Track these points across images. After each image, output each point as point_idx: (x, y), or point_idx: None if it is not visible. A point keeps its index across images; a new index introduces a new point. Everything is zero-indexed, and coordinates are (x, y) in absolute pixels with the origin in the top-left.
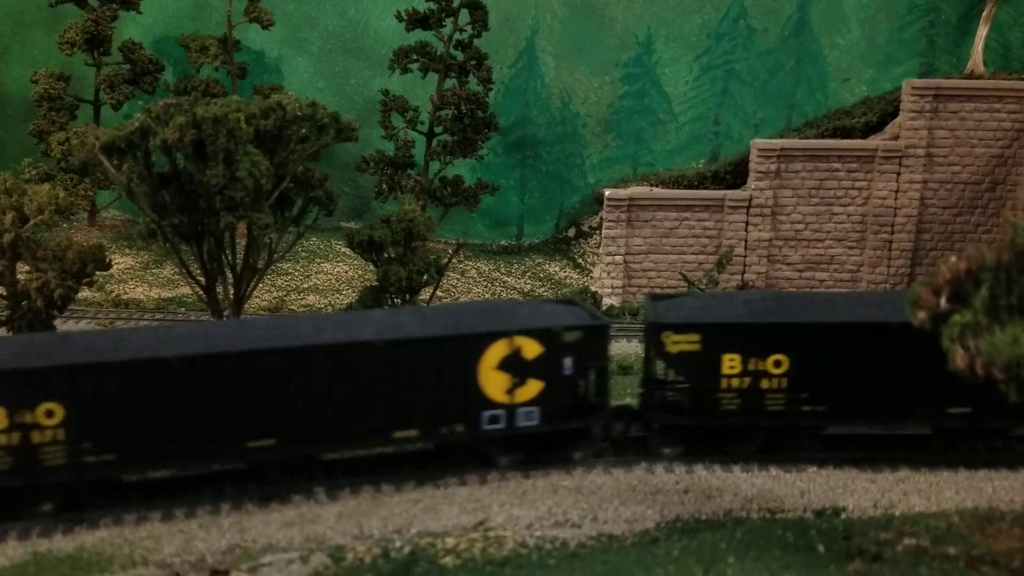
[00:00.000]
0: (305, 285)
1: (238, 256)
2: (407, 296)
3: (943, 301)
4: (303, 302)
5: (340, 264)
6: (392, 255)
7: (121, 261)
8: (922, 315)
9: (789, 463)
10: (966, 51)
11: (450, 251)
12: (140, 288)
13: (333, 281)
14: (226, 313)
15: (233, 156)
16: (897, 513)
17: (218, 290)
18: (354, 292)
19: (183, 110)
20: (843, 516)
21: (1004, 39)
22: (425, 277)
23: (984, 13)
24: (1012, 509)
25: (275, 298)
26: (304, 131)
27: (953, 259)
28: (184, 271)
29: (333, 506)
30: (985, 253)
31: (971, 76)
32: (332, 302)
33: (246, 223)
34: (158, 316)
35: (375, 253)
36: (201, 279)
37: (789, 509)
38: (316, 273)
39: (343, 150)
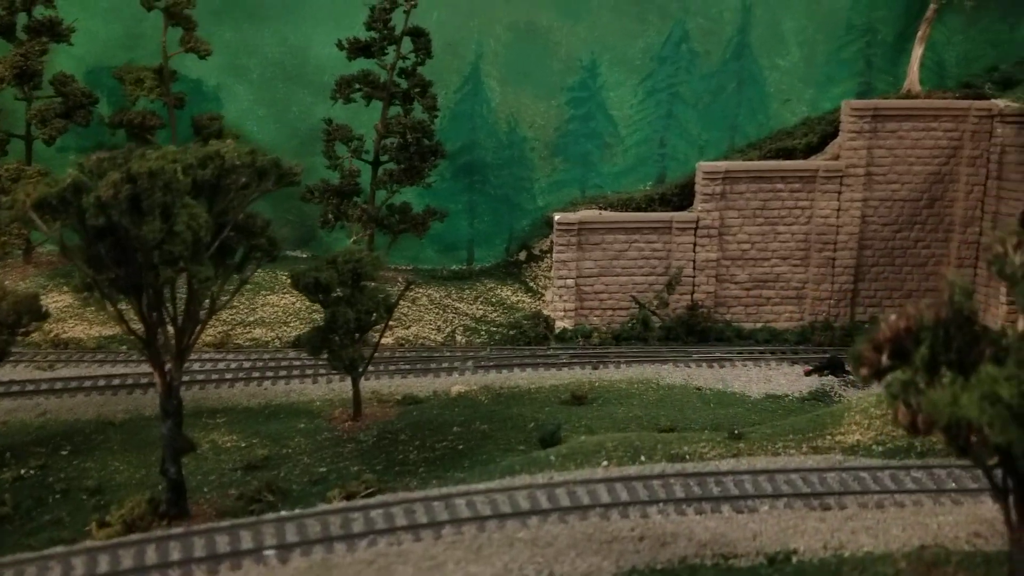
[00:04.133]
0: (251, 319)
1: (179, 307)
2: (357, 336)
3: (884, 358)
4: (249, 336)
5: (287, 296)
6: (340, 295)
7: (60, 299)
8: (865, 372)
9: (741, 501)
10: (902, 70)
11: (400, 279)
12: (80, 327)
13: (280, 313)
14: (168, 366)
15: (170, 210)
16: (847, 555)
17: (159, 342)
18: (302, 324)
19: (117, 164)
20: (795, 560)
21: (938, 57)
22: (374, 316)
23: (919, 33)
24: (958, 548)
25: (220, 332)
26: (244, 179)
27: (893, 317)
28: (123, 325)
29: (283, 570)
30: (924, 312)
31: (908, 95)
32: (280, 335)
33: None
34: (99, 356)
35: (322, 294)
36: (141, 332)
37: (742, 554)
38: (262, 306)
39: None
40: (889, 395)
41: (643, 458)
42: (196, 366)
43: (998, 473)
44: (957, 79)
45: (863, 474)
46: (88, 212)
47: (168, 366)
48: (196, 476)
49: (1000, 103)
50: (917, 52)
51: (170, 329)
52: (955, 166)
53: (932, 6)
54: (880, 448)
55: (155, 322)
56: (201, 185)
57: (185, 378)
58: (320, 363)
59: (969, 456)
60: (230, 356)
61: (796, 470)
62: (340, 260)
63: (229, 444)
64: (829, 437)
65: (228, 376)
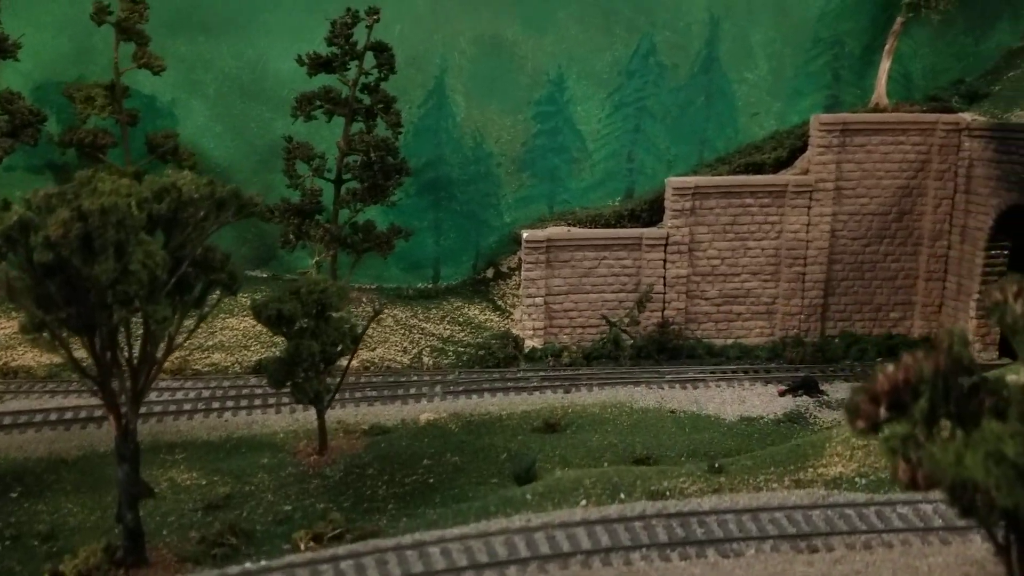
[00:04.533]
0: (210, 343)
1: (134, 347)
2: (322, 367)
3: (883, 411)
4: (209, 361)
5: (247, 319)
6: (304, 327)
7: (8, 326)
8: (861, 425)
9: (726, 544)
10: (870, 82)
11: (364, 300)
12: (30, 354)
13: (240, 337)
14: (124, 409)
15: (125, 247)
16: None
17: (114, 384)
18: (263, 348)
19: (67, 200)
20: None
21: (905, 69)
22: (340, 348)
23: (887, 47)
24: None
25: (178, 358)
26: (203, 212)
27: (891, 368)
28: (75, 367)
29: None
30: (922, 362)
31: (876, 108)
32: (240, 360)
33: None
34: (50, 386)
35: (285, 326)
36: (95, 373)
37: None
38: (221, 329)
39: None
40: (888, 450)
41: (623, 496)
42: (153, 395)
43: (999, 530)
44: (924, 92)
45: (848, 511)
46: (36, 251)
47: (124, 409)
48: (155, 517)
49: (967, 117)
50: (884, 65)
51: (125, 369)
52: (923, 180)
53: (899, 19)
54: (863, 480)
55: (109, 363)
56: (157, 219)
57: (142, 410)
58: (284, 392)
59: (973, 516)
60: (188, 384)
61: (780, 508)
62: (304, 291)
63: (189, 482)
64: (811, 469)
65: (187, 407)
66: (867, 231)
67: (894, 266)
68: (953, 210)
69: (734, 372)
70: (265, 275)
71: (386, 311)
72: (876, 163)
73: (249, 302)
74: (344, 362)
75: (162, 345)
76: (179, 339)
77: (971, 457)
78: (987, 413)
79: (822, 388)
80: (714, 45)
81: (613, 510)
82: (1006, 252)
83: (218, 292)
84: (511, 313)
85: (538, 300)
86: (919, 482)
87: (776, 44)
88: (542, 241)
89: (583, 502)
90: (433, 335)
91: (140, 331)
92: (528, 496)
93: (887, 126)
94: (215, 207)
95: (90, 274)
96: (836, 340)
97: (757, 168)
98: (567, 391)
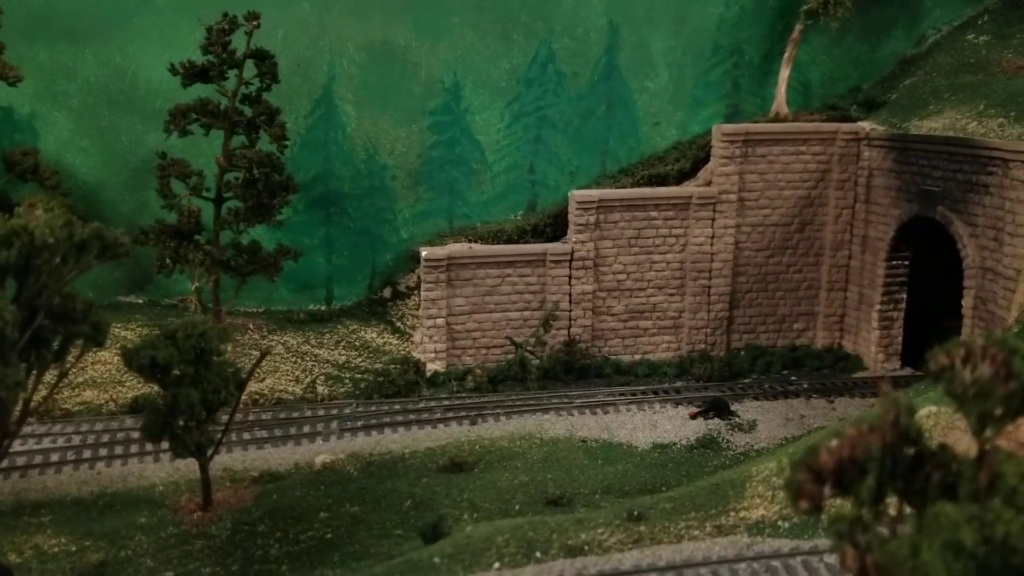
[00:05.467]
0: (80, 379)
1: None
2: (204, 415)
3: (827, 490)
4: (79, 399)
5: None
6: (181, 374)
7: None
8: (805, 506)
9: None
10: (769, 91)
11: (250, 327)
12: None
13: (113, 372)
14: None
15: None
16: None
17: None
18: (138, 384)
19: None
20: None
21: (804, 77)
22: (223, 394)
23: (785, 56)
24: None
25: (36, 399)
26: (59, 257)
27: (835, 443)
28: None
29: None
30: (869, 437)
31: (776, 117)
32: (114, 396)
33: None
34: None
35: (160, 374)
36: None
37: None
38: (92, 364)
39: (119, 218)
40: (835, 535)
41: (539, 554)
42: (17, 444)
43: None
44: (822, 99)
45: (775, 563)
46: None
47: None
48: None
49: (866, 126)
50: (784, 73)
51: None
52: (824, 190)
53: (798, 27)
54: (786, 524)
55: None
56: (5, 267)
57: (2, 464)
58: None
59: None
60: (56, 428)
61: (705, 563)
62: (181, 335)
63: (57, 548)
64: (732, 513)
65: (54, 458)
66: (770, 242)
67: (797, 277)
68: (854, 220)
69: (643, 393)
70: (141, 301)
71: (275, 338)
72: (778, 173)
73: (123, 332)
74: (230, 408)
75: (16, 411)
76: (36, 401)
77: (927, 549)
78: (935, 487)
79: (732, 409)
80: (614, 53)
81: (529, 572)
82: (906, 263)
83: (81, 343)
84: (411, 335)
85: (439, 321)
86: (868, 569)
87: (676, 52)
88: (442, 259)
89: (496, 565)
90: (327, 362)
91: None
92: (436, 559)
93: (788, 136)
94: (74, 250)
95: None
96: (742, 353)
97: (660, 180)
98: (473, 422)
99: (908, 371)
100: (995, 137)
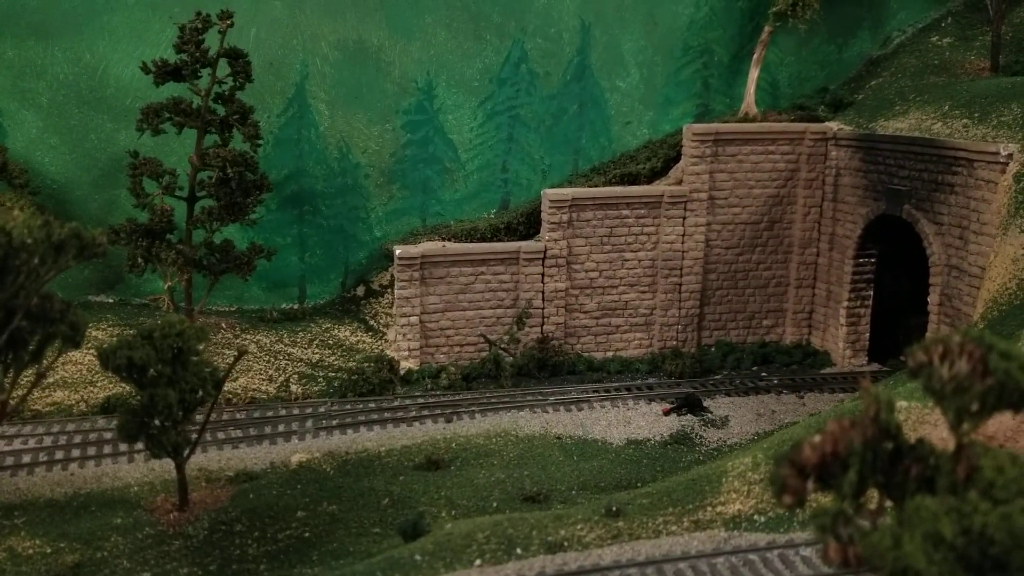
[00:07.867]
0: (51, 379)
1: None
2: (181, 415)
3: (810, 485)
4: (50, 400)
5: (92, 351)
6: (158, 373)
7: None
8: (788, 500)
9: None
10: (739, 91)
11: (223, 326)
12: None
13: (85, 372)
14: None
15: None
16: None
17: None
18: (111, 384)
19: None
20: None
21: (772, 77)
22: (201, 394)
23: (755, 55)
24: None
25: (14, 398)
26: (37, 258)
27: (817, 438)
28: None
29: None
30: (851, 433)
31: (745, 117)
32: (86, 397)
33: None
34: None
35: (137, 375)
36: None
37: None
38: (64, 364)
39: (89, 217)
40: (818, 529)
41: (519, 551)
42: None
43: None
44: (790, 99)
45: (752, 556)
46: None
47: None
48: None
49: (833, 126)
50: (753, 74)
51: None
52: (792, 188)
53: (767, 28)
54: (762, 518)
55: None
56: None
57: None
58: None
59: None
60: (27, 430)
61: (684, 557)
62: (158, 335)
63: (31, 551)
64: (709, 508)
65: (26, 459)
66: (740, 240)
67: (766, 274)
68: (822, 218)
69: (617, 390)
70: (112, 300)
71: (249, 337)
72: (747, 172)
73: (94, 332)
74: (207, 407)
75: None
76: (14, 401)
77: (909, 540)
78: (914, 480)
79: (705, 405)
80: (586, 53)
81: (511, 569)
82: (873, 260)
83: (58, 344)
84: (385, 334)
85: (413, 319)
86: (851, 561)
87: (647, 52)
88: (416, 257)
89: (477, 562)
90: (301, 360)
91: None
92: (417, 556)
93: (758, 136)
94: (52, 251)
95: None
96: (712, 349)
97: (632, 178)
98: (448, 420)
99: (875, 367)
100: (960, 138)
